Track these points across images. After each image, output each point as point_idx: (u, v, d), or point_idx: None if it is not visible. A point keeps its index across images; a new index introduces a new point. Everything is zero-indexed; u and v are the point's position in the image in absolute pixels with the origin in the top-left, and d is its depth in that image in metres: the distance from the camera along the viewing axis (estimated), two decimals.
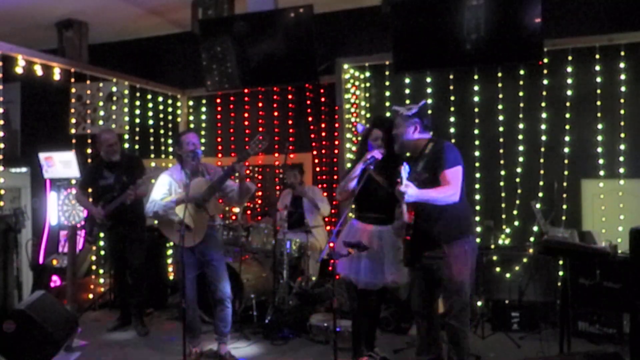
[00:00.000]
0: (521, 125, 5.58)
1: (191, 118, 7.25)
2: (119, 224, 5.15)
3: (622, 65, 5.15)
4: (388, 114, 5.82)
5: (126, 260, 5.25)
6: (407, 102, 5.80)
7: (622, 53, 5.10)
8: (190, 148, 4.23)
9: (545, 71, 5.41)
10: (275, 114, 6.84)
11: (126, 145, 6.89)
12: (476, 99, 5.66)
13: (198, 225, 4.20)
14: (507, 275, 5.17)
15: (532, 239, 5.40)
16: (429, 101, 5.71)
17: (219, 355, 4.43)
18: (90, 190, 5.33)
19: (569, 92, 5.34)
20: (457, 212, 3.50)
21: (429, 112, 5.47)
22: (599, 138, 5.31)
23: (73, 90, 7.31)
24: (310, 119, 6.63)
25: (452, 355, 3.56)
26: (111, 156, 5.18)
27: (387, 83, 5.85)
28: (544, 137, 5.49)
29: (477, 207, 5.67)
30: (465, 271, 3.49)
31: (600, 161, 5.30)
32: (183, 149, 4.27)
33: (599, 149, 5.31)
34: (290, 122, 6.77)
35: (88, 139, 6.58)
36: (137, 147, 7.20)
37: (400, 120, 3.66)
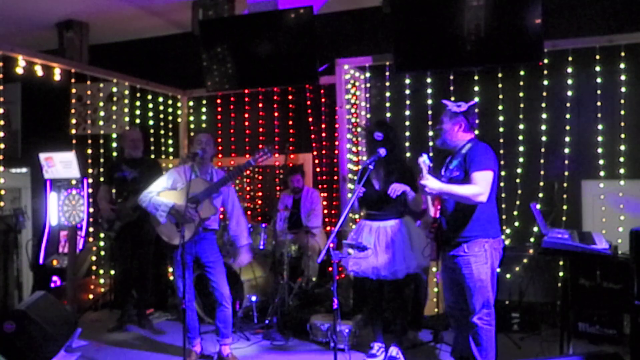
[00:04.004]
0: (521, 126, 5.58)
1: (191, 118, 7.25)
2: (131, 225, 5.21)
3: (622, 66, 5.15)
4: (388, 115, 5.84)
5: (134, 259, 5.29)
6: (408, 102, 5.81)
7: (622, 54, 5.09)
8: (196, 148, 4.31)
9: (545, 72, 5.40)
10: (276, 114, 6.83)
11: None
12: (476, 99, 5.65)
13: (188, 224, 4.19)
14: (507, 275, 5.17)
15: (532, 239, 5.40)
16: (429, 102, 5.71)
17: (221, 357, 4.42)
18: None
19: (569, 93, 5.34)
20: (482, 214, 3.52)
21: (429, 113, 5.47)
22: (599, 139, 5.30)
23: (73, 90, 7.31)
24: (310, 119, 6.63)
25: (477, 356, 3.55)
26: (132, 152, 5.38)
27: (388, 84, 5.85)
28: (544, 138, 5.48)
29: None
30: (485, 269, 3.51)
31: (601, 162, 5.30)
32: (192, 147, 4.42)
33: (599, 150, 5.30)
34: (290, 122, 6.77)
35: (88, 140, 6.58)
36: None
37: (446, 117, 3.68)
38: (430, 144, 5.70)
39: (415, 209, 4.21)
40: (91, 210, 6.71)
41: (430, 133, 5.66)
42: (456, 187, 3.48)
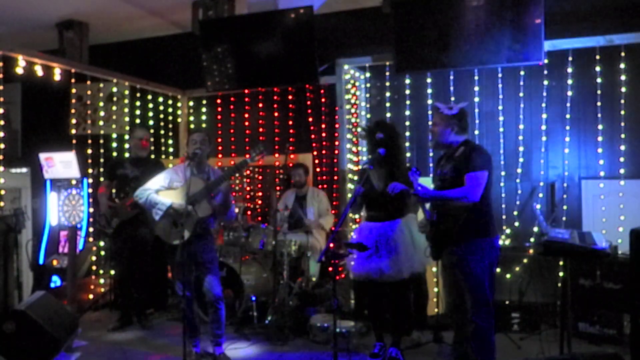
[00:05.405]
0: (521, 126, 5.58)
1: (191, 119, 7.26)
2: (128, 224, 5.22)
3: (622, 66, 5.14)
4: (388, 114, 5.84)
5: (132, 259, 5.29)
6: (408, 102, 5.82)
7: (622, 54, 5.09)
8: (191, 148, 4.28)
9: (545, 72, 5.41)
10: (276, 114, 6.84)
11: (126, 146, 6.88)
12: (476, 99, 5.66)
13: (186, 223, 4.19)
14: (507, 275, 5.17)
15: (532, 239, 5.40)
16: (429, 102, 5.71)
17: (214, 357, 4.42)
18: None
19: (569, 93, 5.34)
20: (477, 213, 3.54)
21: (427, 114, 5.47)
22: (600, 139, 5.30)
23: (73, 90, 7.32)
24: (310, 119, 6.63)
25: (477, 355, 3.55)
26: (138, 151, 5.37)
27: (387, 84, 5.85)
28: (544, 138, 5.49)
29: None
30: (481, 268, 3.53)
31: (601, 162, 5.30)
32: (188, 148, 4.37)
33: (600, 150, 5.30)
34: (290, 122, 6.77)
35: (88, 140, 6.57)
36: None
37: (439, 119, 3.70)
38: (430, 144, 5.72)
39: (416, 210, 4.23)
40: (91, 210, 6.72)
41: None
42: (447, 193, 3.53)
